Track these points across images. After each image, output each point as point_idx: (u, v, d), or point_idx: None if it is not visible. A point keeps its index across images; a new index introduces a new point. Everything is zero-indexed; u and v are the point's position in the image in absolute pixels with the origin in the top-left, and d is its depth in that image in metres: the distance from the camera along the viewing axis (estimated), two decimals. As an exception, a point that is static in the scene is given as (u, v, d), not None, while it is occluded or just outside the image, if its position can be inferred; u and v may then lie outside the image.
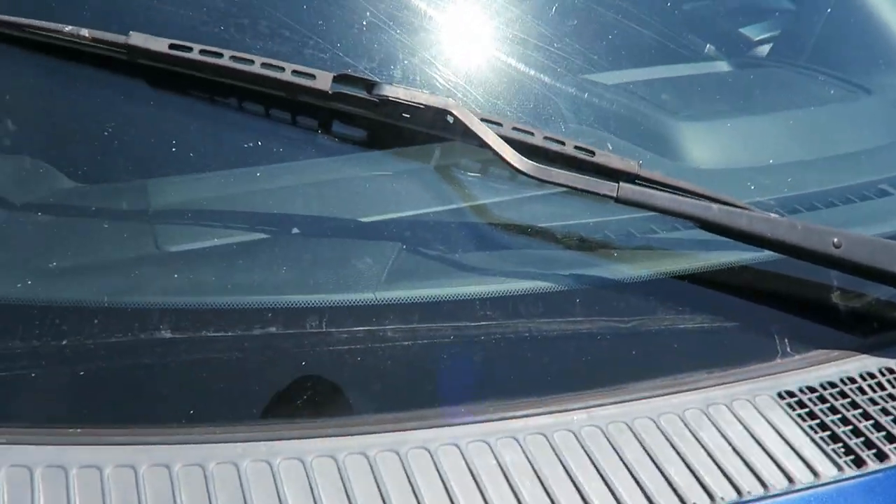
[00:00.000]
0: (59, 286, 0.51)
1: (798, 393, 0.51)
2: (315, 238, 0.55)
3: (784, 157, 0.71)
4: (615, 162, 0.54)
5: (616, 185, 0.51)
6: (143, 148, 0.58)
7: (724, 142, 0.75)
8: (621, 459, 0.46)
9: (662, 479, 0.45)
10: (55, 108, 0.58)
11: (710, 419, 0.49)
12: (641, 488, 0.44)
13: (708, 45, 0.98)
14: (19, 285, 0.50)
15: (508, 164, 0.51)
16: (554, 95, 0.68)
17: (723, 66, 1.00)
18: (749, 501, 0.43)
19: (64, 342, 0.48)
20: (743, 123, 0.78)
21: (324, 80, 0.53)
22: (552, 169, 0.51)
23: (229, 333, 0.49)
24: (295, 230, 0.56)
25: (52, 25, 0.53)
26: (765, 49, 1.10)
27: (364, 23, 0.62)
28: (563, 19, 0.73)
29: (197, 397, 0.48)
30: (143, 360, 0.48)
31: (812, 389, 0.52)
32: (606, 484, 0.45)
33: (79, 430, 0.46)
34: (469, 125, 0.51)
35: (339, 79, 0.53)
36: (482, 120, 0.52)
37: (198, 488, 0.43)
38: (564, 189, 0.56)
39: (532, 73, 0.66)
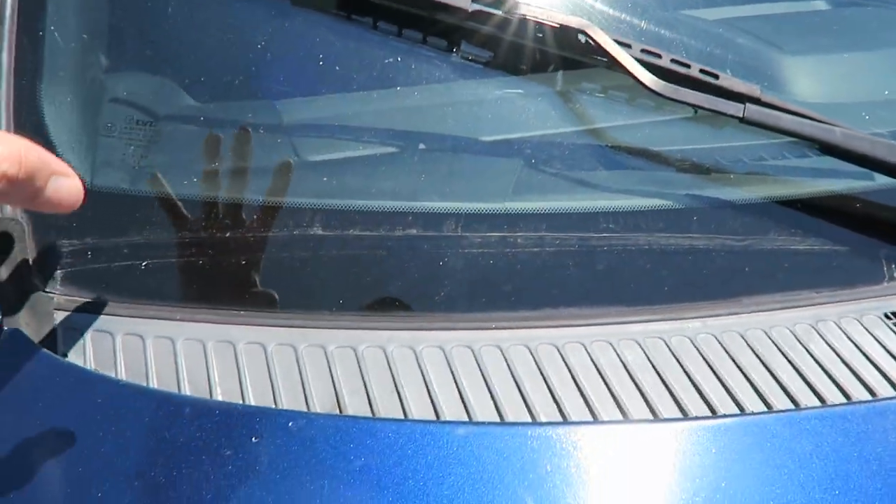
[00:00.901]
0: (216, 186, 0.56)
1: (904, 314, 0.54)
2: (446, 152, 0.58)
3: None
4: (738, 85, 0.56)
5: (742, 105, 0.53)
6: (280, 66, 0.61)
7: (832, 76, 0.75)
8: (735, 363, 0.50)
9: (775, 382, 0.48)
10: (196, 29, 0.62)
11: (819, 333, 0.52)
12: (755, 388, 0.48)
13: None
14: (182, 182, 0.55)
15: (640, 82, 0.53)
16: (661, 30, 0.69)
17: (821, 5, 0.98)
18: (856, 404, 0.47)
19: (226, 234, 0.53)
20: (849, 58, 0.77)
21: (463, -1, 0.56)
22: (681, 89, 0.53)
23: (372, 233, 0.54)
24: (422, 145, 0.59)
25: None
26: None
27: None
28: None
29: (346, 289, 0.53)
30: (297, 253, 0.53)
31: (918, 311, 0.54)
32: (722, 383, 0.48)
33: (243, 313, 0.52)
34: (603, 44, 0.53)
35: (477, -4, 0.56)
36: (614, 41, 0.54)
37: (351, 366, 0.48)
38: (686, 113, 0.59)
39: (651, 6, 0.68)
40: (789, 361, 0.50)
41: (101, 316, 0.51)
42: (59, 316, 0.51)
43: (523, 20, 0.55)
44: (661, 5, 0.68)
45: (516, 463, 0.42)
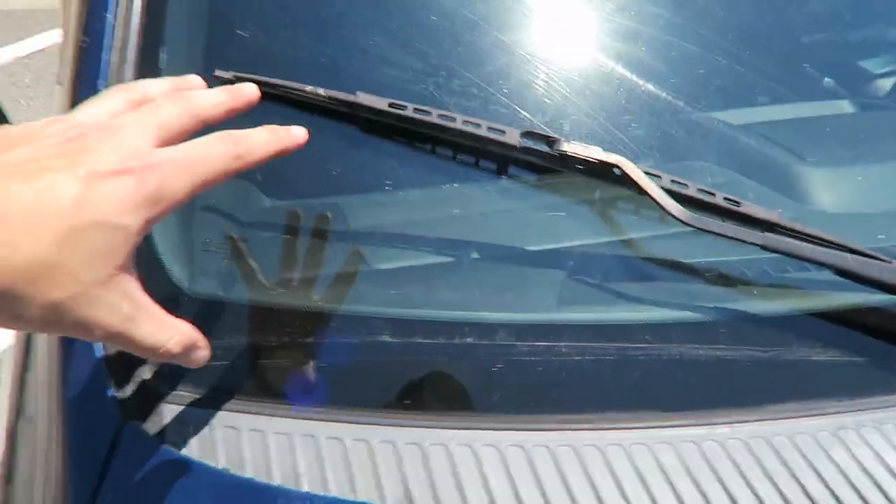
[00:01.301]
0: (296, 295, 0.64)
1: (923, 424, 0.59)
2: (500, 263, 0.66)
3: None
4: (759, 212, 0.63)
5: (762, 234, 0.60)
6: (356, 181, 0.70)
7: (852, 187, 0.82)
8: (762, 469, 0.55)
9: (799, 488, 0.54)
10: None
11: (841, 441, 0.57)
12: (782, 495, 0.53)
13: (826, 80, 1.03)
14: (264, 292, 0.64)
15: (671, 214, 0.60)
16: (687, 134, 0.76)
17: (846, 107, 1.04)
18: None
19: (307, 339, 0.62)
20: (870, 169, 0.84)
21: (513, 136, 0.65)
22: (705, 217, 0.61)
23: (436, 341, 0.61)
24: (475, 254, 0.67)
25: (297, 85, 0.67)
26: (887, 83, 1.14)
27: (538, 83, 0.73)
28: (686, 61, 0.82)
29: (413, 391, 0.60)
30: (369, 357, 0.61)
31: (935, 421, 0.59)
32: (751, 489, 0.54)
33: (322, 411, 0.59)
34: (635, 179, 0.61)
35: (526, 135, 0.65)
36: (644, 173, 0.62)
37: (417, 461, 0.55)
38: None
39: (669, 115, 0.76)
40: (813, 469, 0.55)
41: (203, 409, 0.59)
42: (166, 409, 0.59)
43: (566, 155, 0.63)
44: (688, 111, 0.76)
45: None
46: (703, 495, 0.53)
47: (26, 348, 0.71)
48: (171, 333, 0.44)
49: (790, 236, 0.61)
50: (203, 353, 0.48)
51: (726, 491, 0.53)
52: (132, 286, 0.41)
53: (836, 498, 0.53)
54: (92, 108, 0.43)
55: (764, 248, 0.60)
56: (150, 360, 0.47)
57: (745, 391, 0.60)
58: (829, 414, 0.59)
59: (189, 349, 0.46)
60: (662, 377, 0.60)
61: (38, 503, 0.56)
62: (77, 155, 0.37)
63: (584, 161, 0.64)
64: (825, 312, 0.64)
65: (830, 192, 0.81)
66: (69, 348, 0.62)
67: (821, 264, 0.60)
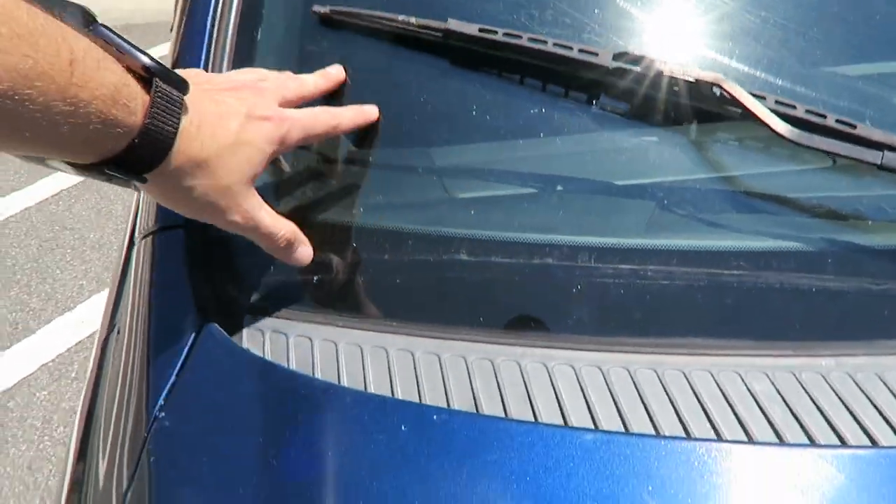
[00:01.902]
0: (376, 216, 0.64)
1: None
2: (584, 193, 0.63)
3: None
4: (877, 134, 0.57)
5: (880, 153, 0.54)
6: (444, 112, 0.70)
7: None
8: (870, 400, 0.49)
9: (909, 421, 0.48)
10: (382, 79, 0.72)
11: (964, 379, 0.51)
12: (890, 424, 0.48)
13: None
14: (352, 212, 0.64)
15: (774, 131, 0.56)
16: (803, 86, 0.71)
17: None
18: None
19: (384, 257, 0.61)
20: None
21: (605, 57, 0.62)
22: (817, 136, 0.56)
23: (510, 261, 0.59)
24: (559, 186, 0.65)
25: (389, 15, 0.67)
26: None
27: (632, 9, 0.70)
28: (808, 11, 0.76)
29: (488, 308, 0.58)
30: (444, 275, 0.60)
31: None
32: (855, 418, 0.48)
33: (394, 324, 0.59)
34: (737, 96, 0.57)
35: (618, 56, 0.62)
36: (749, 93, 0.58)
37: (487, 374, 0.53)
38: (822, 163, 0.60)
39: (784, 62, 0.70)
40: (928, 404, 0.49)
41: (279, 319, 0.60)
42: (247, 318, 0.60)
43: (660, 75, 0.60)
44: (800, 61, 0.70)
45: (640, 470, 0.44)
46: (801, 423, 0.48)
47: (123, 270, 0.74)
48: (283, 226, 0.58)
49: (912, 159, 0.56)
50: (307, 249, 0.60)
51: (828, 421, 0.48)
52: (256, 193, 0.56)
53: (958, 436, 0.47)
54: (248, 74, 0.62)
55: (882, 167, 0.54)
56: (267, 249, 0.58)
57: (854, 324, 0.55)
58: (951, 352, 0.52)
59: (295, 243, 0.59)
60: (759, 306, 0.56)
61: (122, 399, 0.58)
62: (243, 100, 0.56)
63: (680, 81, 0.60)
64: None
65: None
66: (157, 263, 0.65)
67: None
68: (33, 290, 2.31)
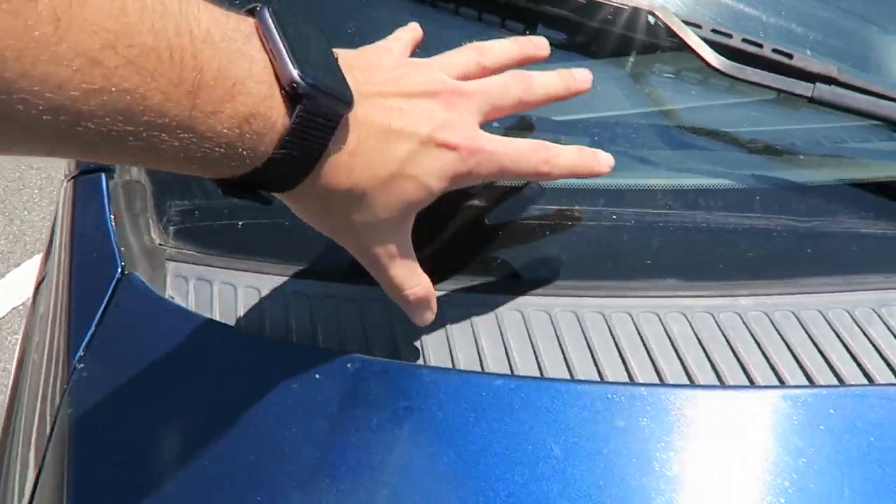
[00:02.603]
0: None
1: (982, 304, 0.51)
2: (518, 131, 0.61)
3: None
4: (813, 65, 0.55)
5: (812, 85, 0.52)
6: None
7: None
8: (784, 341, 0.50)
9: (824, 361, 0.48)
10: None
11: (880, 317, 0.51)
12: (802, 367, 0.48)
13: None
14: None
15: (705, 62, 0.54)
16: (745, 7, 0.68)
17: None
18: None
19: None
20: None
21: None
22: (748, 68, 0.54)
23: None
24: (495, 124, 0.63)
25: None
26: None
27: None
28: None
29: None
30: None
31: None
32: (767, 360, 0.49)
33: (318, 270, 0.58)
34: (671, 25, 0.55)
35: (546, -19, 0.59)
36: (683, 22, 0.55)
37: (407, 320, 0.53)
38: (758, 94, 0.59)
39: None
40: (843, 343, 0.49)
41: (203, 266, 0.59)
42: (170, 265, 0.59)
43: (592, 2, 0.57)
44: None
45: (548, 415, 0.45)
46: (713, 365, 0.48)
47: (52, 228, 0.72)
48: (417, 282, 0.48)
49: (847, 91, 0.54)
50: (431, 314, 0.50)
51: (740, 362, 0.49)
52: (406, 235, 0.47)
53: (867, 375, 0.47)
54: (449, 63, 0.48)
55: (812, 100, 0.53)
56: (393, 298, 0.49)
57: (777, 263, 0.54)
58: (871, 289, 0.52)
59: (423, 303, 0.49)
60: (681, 245, 0.55)
61: (47, 349, 0.57)
62: (427, 114, 0.43)
63: (615, 9, 0.58)
64: (881, 182, 0.56)
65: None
66: (78, 208, 0.63)
67: (879, 118, 0.52)
68: (0, 233, 2.28)
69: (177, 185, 0.63)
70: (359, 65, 0.43)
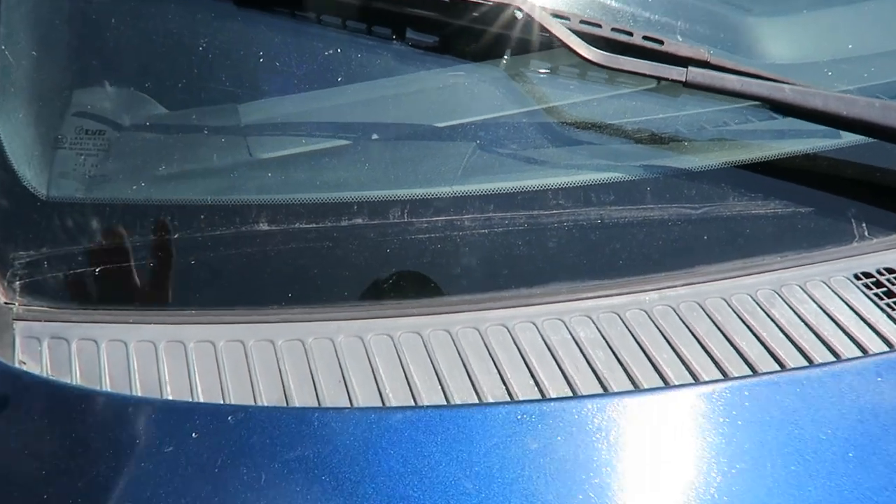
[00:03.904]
0: (169, 188, 0.56)
1: (875, 274, 0.52)
2: (394, 140, 0.58)
3: (860, 50, 0.68)
4: (684, 50, 0.54)
5: (685, 69, 0.51)
6: (230, 66, 0.61)
7: (798, 36, 0.73)
8: (692, 333, 0.48)
9: (733, 349, 0.47)
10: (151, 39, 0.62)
11: (782, 298, 0.50)
12: (712, 358, 0.46)
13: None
14: (134, 188, 0.55)
15: (577, 54, 0.52)
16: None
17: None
18: (820, 366, 0.45)
19: (176, 236, 0.54)
20: (817, 17, 0.75)
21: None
22: (620, 57, 0.52)
23: (320, 225, 0.53)
24: (374, 136, 0.59)
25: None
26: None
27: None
28: None
29: (294, 282, 0.52)
30: (246, 249, 0.53)
31: (890, 270, 0.52)
32: (678, 354, 0.47)
33: (193, 312, 0.52)
34: (537, 19, 0.52)
35: (410, -20, 0.55)
36: (551, 15, 0.53)
37: (299, 358, 0.48)
38: (633, 83, 0.57)
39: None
40: (749, 328, 0.48)
41: (58, 323, 0.52)
42: (18, 325, 0.51)
43: (458, 2, 0.54)
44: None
45: (456, 445, 0.41)
46: (623, 366, 0.46)
47: None
48: None
49: (720, 73, 0.53)
50: None
51: (650, 360, 0.46)
52: None
53: (776, 358, 0.46)
54: None
55: (686, 84, 0.52)
56: None
57: (676, 253, 0.53)
58: (770, 270, 0.52)
59: None
60: (579, 245, 0.53)
61: None
62: None
63: (479, 6, 0.55)
64: (765, 162, 0.56)
65: (776, 43, 0.72)
66: None
67: (754, 98, 0.52)
68: None
69: (19, 231, 0.56)
70: None
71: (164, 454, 0.42)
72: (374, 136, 0.59)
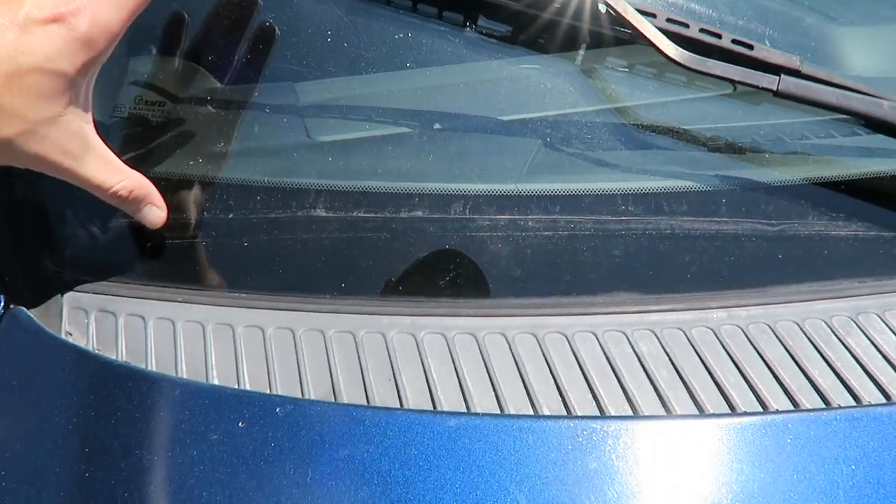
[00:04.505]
0: (226, 166, 0.55)
1: (961, 308, 0.49)
2: (459, 132, 0.56)
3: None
4: (775, 57, 0.51)
5: (777, 77, 0.48)
6: (295, 45, 0.59)
7: (886, 48, 0.69)
8: (761, 357, 0.46)
9: (805, 378, 0.44)
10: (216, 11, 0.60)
11: (859, 326, 0.47)
12: (782, 385, 0.44)
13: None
14: (191, 163, 0.54)
15: (664, 54, 0.49)
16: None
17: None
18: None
19: (230, 215, 0.52)
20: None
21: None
22: (709, 60, 0.49)
23: (378, 215, 0.52)
24: (437, 125, 0.57)
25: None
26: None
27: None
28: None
29: (348, 272, 0.51)
30: (301, 235, 0.52)
31: (977, 305, 0.49)
32: (745, 378, 0.44)
33: (243, 295, 0.51)
34: (623, 14, 0.50)
35: (492, -32, 0.53)
36: (638, 11, 0.51)
37: (349, 352, 0.47)
38: (711, 88, 0.54)
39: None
40: (822, 356, 0.45)
41: (106, 296, 0.51)
42: (66, 296, 0.51)
43: (539, -8, 0.52)
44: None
45: (511, 457, 0.39)
46: (687, 386, 0.44)
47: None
48: (120, 177, 0.46)
49: (812, 83, 0.50)
50: (158, 212, 0.49)
51: (715, 382, 0.44)
52: (83, 126, 0.44)
53: (849, 389, 0.44)
54: None
55: (777, 94, 0.49)
56: (108, 201, 0.46)
57: (748, 270, 0.50)
58: (847, 296, 0.49)
59: (140, 200, 0.48)
60: (646, 255, 0.51)
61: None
62: (12, 2, 0.40)
63: (561, -1, 0.52)
64: (849, 181, 0.53)
65: (866, 55, 0.69)
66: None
67: (850, 114, 0.49)
68: None
69: (72, 203, 0.55)
70: None
71: (209, 441, 0.41)
72: (437, 126, 0.57)
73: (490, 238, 0.51)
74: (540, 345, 0.47)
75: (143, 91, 0.57)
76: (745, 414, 0.42)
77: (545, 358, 0.46)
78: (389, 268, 0.51)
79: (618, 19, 0.51)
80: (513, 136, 0.56)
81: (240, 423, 0.41)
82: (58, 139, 0.42)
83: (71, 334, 0.48)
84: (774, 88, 0.49)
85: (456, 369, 0.45)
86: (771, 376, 0.44)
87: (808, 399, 0.43)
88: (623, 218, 0.51)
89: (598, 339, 0.47)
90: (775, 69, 0.51)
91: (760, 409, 0.42)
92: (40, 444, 0.43)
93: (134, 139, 0.56)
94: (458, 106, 0.57)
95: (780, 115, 0.56)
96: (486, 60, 0.58)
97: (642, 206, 0.52)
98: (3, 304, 0.48)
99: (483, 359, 0.46)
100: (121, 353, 0.47)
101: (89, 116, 0.44)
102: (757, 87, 0.49)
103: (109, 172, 0.46)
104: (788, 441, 0.39)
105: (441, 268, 0.51)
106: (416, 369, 0.46)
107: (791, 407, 0.43)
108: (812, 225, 0.52)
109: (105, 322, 0.49)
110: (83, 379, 0.45)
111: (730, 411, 0.42)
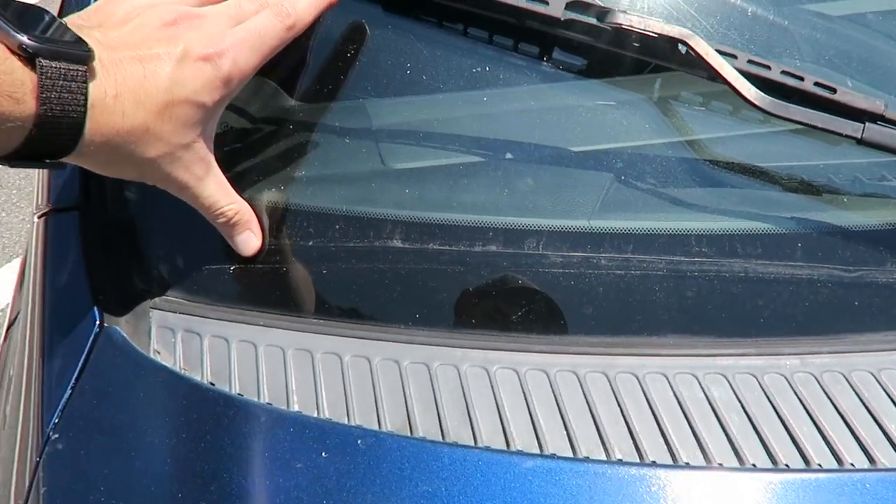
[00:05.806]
0: (305, 193, 0.56)
1: None
2: (533, 164, 0.56)
3: None
4: (858, 101, 0.50)
5: (861, 125, 0.48)
6: (371, 70, 0.61)
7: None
8: (836, 408, 0.46)
9: (881, 433, 0.44)
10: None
11: (939, 380, 0.47)
12: (857, 439, 0.44)
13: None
14: (272, 189, 0.56)
15: (744, 98, 0.49)
16: (782, 29, 0.63)
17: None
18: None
19: (310, 242, 0.54)
20: None
21: (556, 7, 0.54)
22: (791, 105, 0.49)
23: (452, 248, 0.53)
24: (509, 155, 0.58)
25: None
26: None
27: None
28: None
29: (422, 303, 0.52)
30: (377, 265, 0.53)
31: None
32: (819, 430, 0.45)
33: (321, 321, 0.53)
34: (704, 56, 0.50)
35: (571, 5, 0.53)
36: (718, 52, 0.50)
37: (423, 383, 0.48)
38: (796, 128, 0.54)
39: (761, 9, 0.62)
40: (900, 411, 0.45)
41: (192, 317, 0.53)
42: (154, 315, 0.53)
43: (618, 29, 0.52)
44: (778, 7, 0.63)
45: (584, 501, 0.40)
46: (759, 434, 0.44)
47: (24, 260, 0.66)
48: (230, 200, 0.51)
49: None
50: (255, 240, 0.53)
51: (788, 431, 0.44)
52: (207, 153, 0.49)
53: (929, 448, 0.43)
54: None
55: (861, 142, 0.48)
56: (213, 223, 0.51)
57: (823, 317, 0.50)
58: (927, 348, 0.48)
59: (241, 225, 0.52)
60: (719, 297, 0.51)
61: (16, 410, 0.52)
62: (172, 41, 0.45)
63: (641, 36, 0.53)
64: (931, 227, 0.52)
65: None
66: (51, 248, 0.57)
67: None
68: (-22, 238, 2.19)
69: (160, 224, 0.58)
70: (95, 21, 0.46)
71: (294, 469, 0.43)
72: (509, 156, 0.58)
73: (562, 275, 0.51)
74: (611, 384, 0.47)
75: (229, 115, 0.59)
76: (821, 470, 0.42)
77: (616, 398, 0.47)
78: (462, 300, 0.52)
79: (697, 60, 0.51)
80: (586, 169, 0.56)
81: (322, 454, 0.43)
82: (188, 162, 0.48)
83: (159, 353, 0.51)
84: (859, 136, 0.48)
85: (528, 406, 0.47)
86: (845, 428, 0.44)
87: (885, 455, 0.43)
88: (696, 259, 0.51)
89: (669, 381, 0.47)
90: (858, 114, 0.50)
91: (836, 465, 0.42)
92: (132, 462, 0.45)
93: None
94: (532, 136, 0.58)
95: (860, 155, 0.55)
96: (561, 93, 0.58)
97: (716, 248, 0.52)
98: (98, 321, 0.51)
99: (555, 396, 0.47)
100: (206, 375, 0.49)
101: (212, 144, 0.50)
102: (840, 134, 0.49)
103: (222, 195, 0.50)
104: (865, 501, 0.40)
105: (513, 302, 0.52)
106: (489, 404, 0.47)
107: (866, 461, 0.43)
108: (891, 272, 0.51)
109: (191, 342, 0.51)
110: (175, 401, 0.47)
111: (804, 465, 0.42)
